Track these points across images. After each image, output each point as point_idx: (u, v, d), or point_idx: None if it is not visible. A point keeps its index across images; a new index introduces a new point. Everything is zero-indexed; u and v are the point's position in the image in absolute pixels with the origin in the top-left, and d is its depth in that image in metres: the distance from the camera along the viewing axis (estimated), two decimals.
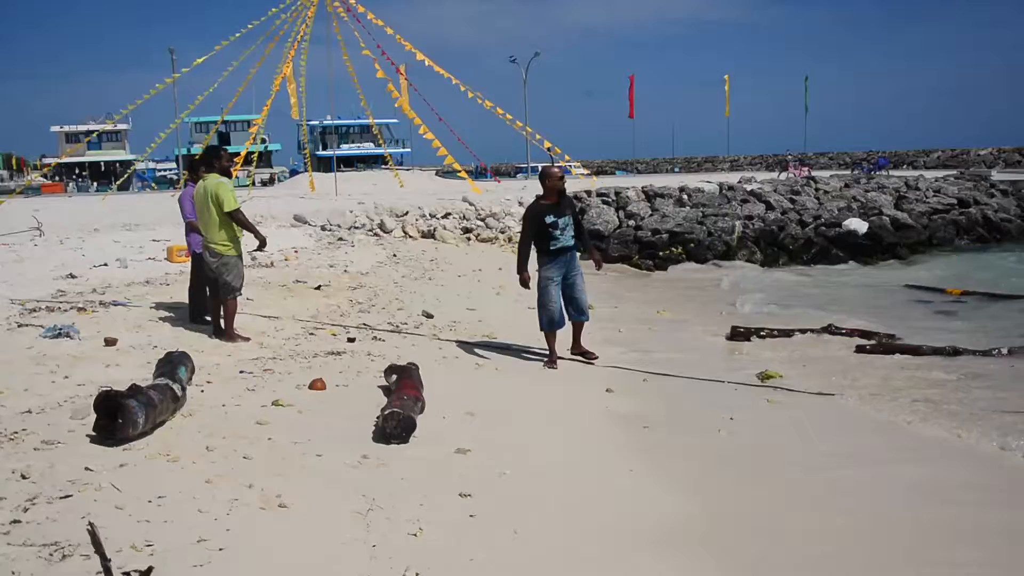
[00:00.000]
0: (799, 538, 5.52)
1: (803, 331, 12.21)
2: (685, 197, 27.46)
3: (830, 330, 12.10)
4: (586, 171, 47.46)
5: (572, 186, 30.80)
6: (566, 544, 5.21)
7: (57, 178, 71.62)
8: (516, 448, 6.91)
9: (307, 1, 38.18)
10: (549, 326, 9.69)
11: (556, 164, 9.99)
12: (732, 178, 34.52)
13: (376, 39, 38.36)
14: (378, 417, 6.65)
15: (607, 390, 8.89)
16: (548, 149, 39.21)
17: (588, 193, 27.40)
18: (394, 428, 6.45)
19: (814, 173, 38.32)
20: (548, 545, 5.17)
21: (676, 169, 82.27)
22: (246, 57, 39.96)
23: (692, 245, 23.93)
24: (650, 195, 27.36)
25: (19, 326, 10.01)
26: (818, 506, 6.09)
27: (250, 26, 38.28)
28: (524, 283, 9.69)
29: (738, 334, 12.00)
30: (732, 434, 7.63)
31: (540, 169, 10.28)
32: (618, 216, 25.54)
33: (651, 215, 25.69)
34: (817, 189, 29.80)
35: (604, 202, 26.33)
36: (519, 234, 9.93)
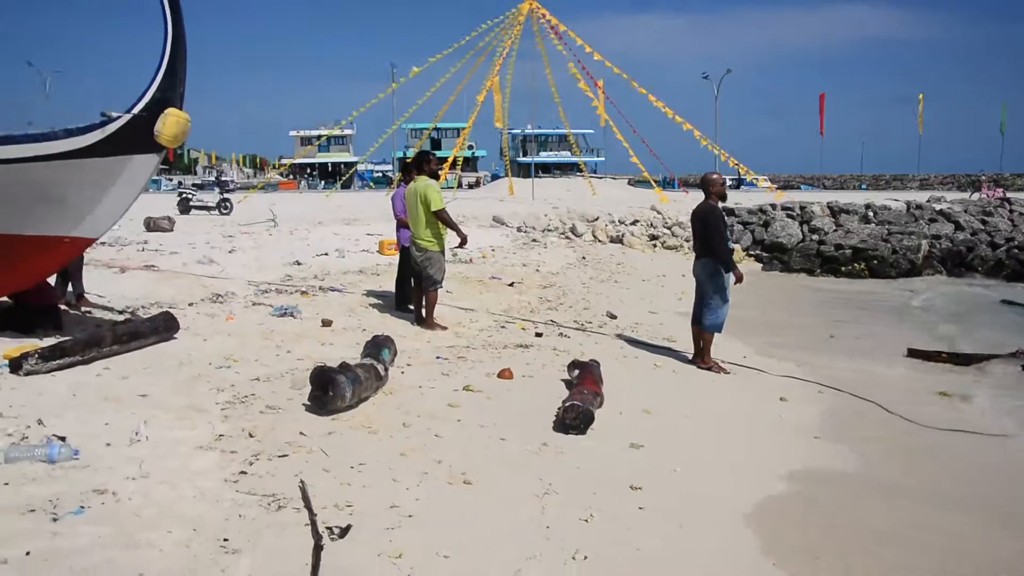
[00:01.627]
0: None
1: (990, 357, 10.88)
2: (871, 214, 26.25)
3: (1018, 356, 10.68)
4: (772, 185, 46.21)
5: (757, 199, 30.20)
6: (729, 544, 5.14)
7: (291, 176, 75.83)
8: (688, 447, 6.85)
9: (514, 19, 38.93)
10: (720, 328, 9.49)
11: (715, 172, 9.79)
12: (921, 197, 32.67)
13: (576, 54, 38.70)
14: (559, 408, 6.72)
15: (781, 399, 8.64)
16: (735, 165, 38.48)
17: (773, 206, 26.65)
18: (573, 420, 6.52)
19: (1009, 195, 35.62)
20: (713, 542, 5.12)
21: (863, 186, 78.51)
22: (457, 70, 41.03)
23: (875, 262, 22.77)
24: (835, 210, 26.31)
25: (254, 304, 10.71)
26: None
27: (462, 41, 39.39)
28: (741, 278, 9.36)
29: (918, 355, 11.25)
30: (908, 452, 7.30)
31: (703, 176, 9.99)
32: (802, 230, 24.67)
33: (835, 230, 24.69)
34: (1012, 211, 27.80)
35: (788, 215, 25.50)
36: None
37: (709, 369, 9.40)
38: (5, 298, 8.71)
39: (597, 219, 24.72)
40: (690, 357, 9.69)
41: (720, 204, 9.54)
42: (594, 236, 23.57)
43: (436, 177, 10.15)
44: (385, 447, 5.70)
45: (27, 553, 3.87)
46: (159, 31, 7.21)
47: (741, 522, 5.47)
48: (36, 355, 6.90)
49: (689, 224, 10.94)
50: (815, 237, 24.32)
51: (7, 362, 6.96)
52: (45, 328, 8.50)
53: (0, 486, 4.58)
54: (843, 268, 22.80)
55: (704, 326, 9.45)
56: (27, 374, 6.75)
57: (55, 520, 4.22)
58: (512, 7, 38.96)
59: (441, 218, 9.73)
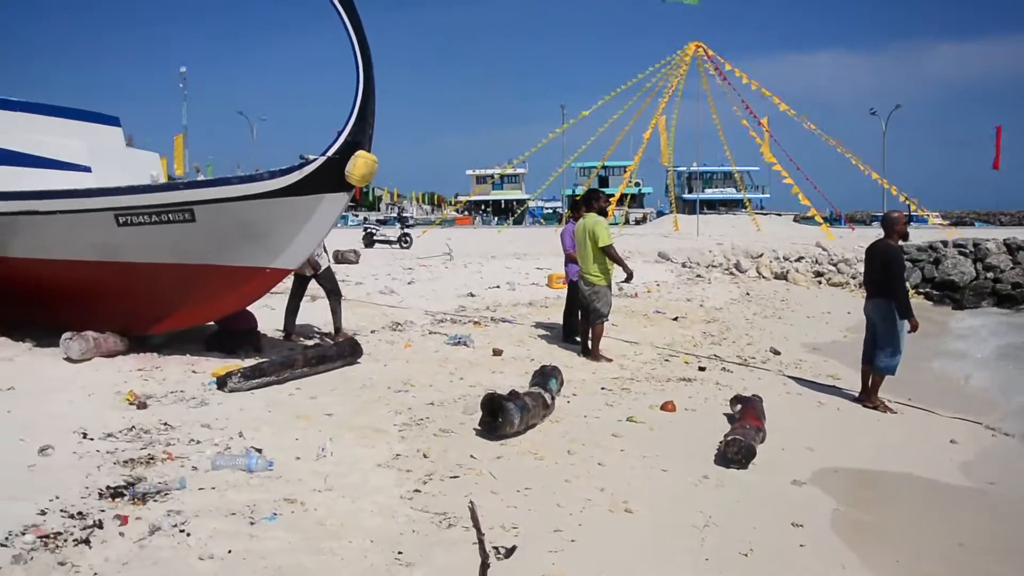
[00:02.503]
0: None
1: None
2: None
3: None
4: (944, 221, 43.82)
5: (926, 235, 28.66)
6: None
7: (467, 212, 77.65)
8: (852, 485, 6.60)
9: (680, 60, 38.81)
10: (894, 371, 9.03)
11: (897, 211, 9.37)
12: None
13: (740, 92, 38.17)
14: (721, 442, 6.62)
15: (951, 441, 8.18)
16: (906, 200, 36.76)
17: (944, 243, 25.24)
18: (735, 454, 6.40)
19: None
20: None
21: None
22: (625, 110, 41.18)
23: None
24: (1012, 247, 24.63)
25: (430, 333, 11.07)
26: None
27: (630, 83, 39.58)
28: (916, 327, 8.88)
29: None
30: None
31: (885, 214, 9.54)
32: (975, 268, 23.30)
33: (1012, 268, 23.19)
34: None
35: (960, 253, 24.11)
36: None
37: (875, 408, 9.00)
38: (212, 323, 9.40)
39: (761, 255, 24.13)
40: (855, 396, 9.31)
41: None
42: (758, 272, 23.02)
43: (604, 214, 10.23)
44: (550, 473, 5.77)
45: (228, 551, 4.18)
46: (352, 83, 7.68)
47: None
48: (239, 374, 7.42)
49: (856, 261, 10.51)
50: (990, 275, 22.93)
51: (215, 379, 7.52)
52: (246, 350, 9.11)
53: (208, 490, 4.96)
54: (1021, 307, 21.45)
55: (876, 367, 9.03)
56: (231, 391, 7.28)
57: (252, 524, 4.53)
58: (678, 48, 38.92)
59: (608, 254, 9.79)
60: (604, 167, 59.15)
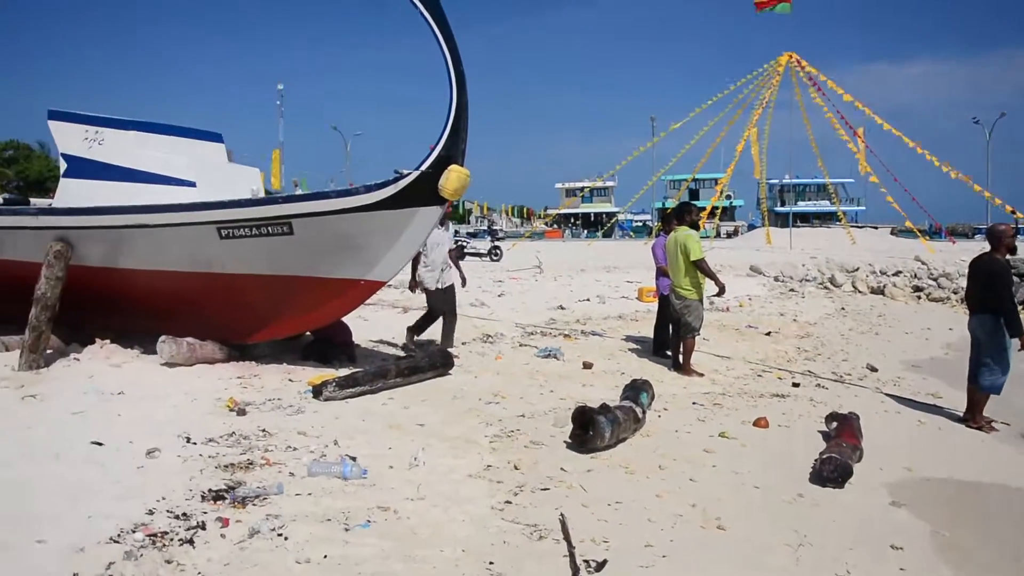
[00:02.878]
0: None
1: None
2: None
3: None
4: None
5: None
6: None
7: (556, 225, 77.72)
8: (954, 508, 6.32)
9: (773, 71, 38.18)
10: (999, 390, 8.62)
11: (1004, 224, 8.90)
12: None
13: (835, 103, 37.31)
14: (816, 460, 6.43)
15: None
16: (1012, 212, 35.26)
17: None
18: (831, 472, 6.21)
19: None
20: None
21: None
22: (716, 122, 40.70)
23: None
24: None
25: (520, 345, 11.11)
26: None
27: (721, 94, 39.12)
28: None
29: None
30: None
31: (991, 226, 9.09)
32: None
33: None
34: None
35: None
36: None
37: (979, 428, 8.61)
38: (307, 333, 9.62)
39: (857, 269, 23.48)
40: (959, 415, 8.93)
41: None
42: (854, 287, 22.40)
43: (696, 227, 10.10)
44: (641, 487, 5.70)
45: (324, 556, 4.25)
46: (445, 98, 7.78)
47: None
48: (334, 383, 7.57)
49: (958, 276, 10.09)
50: None
51: (311, 388, 7.68)
52: (341, 360, 9.29)
53: (304, 496, 5.06)
54: None
55: (980, 386, 8.62)
56: (326, 400, 7.43)
57: (347, 530, 4.60)
58: (770, 59, 38.32)
59: (700, 267, 9.66)
60: (695, 180, 58.59)
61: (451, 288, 10.65)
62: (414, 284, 10.59)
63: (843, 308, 18.73)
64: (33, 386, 7.96)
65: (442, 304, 10.55)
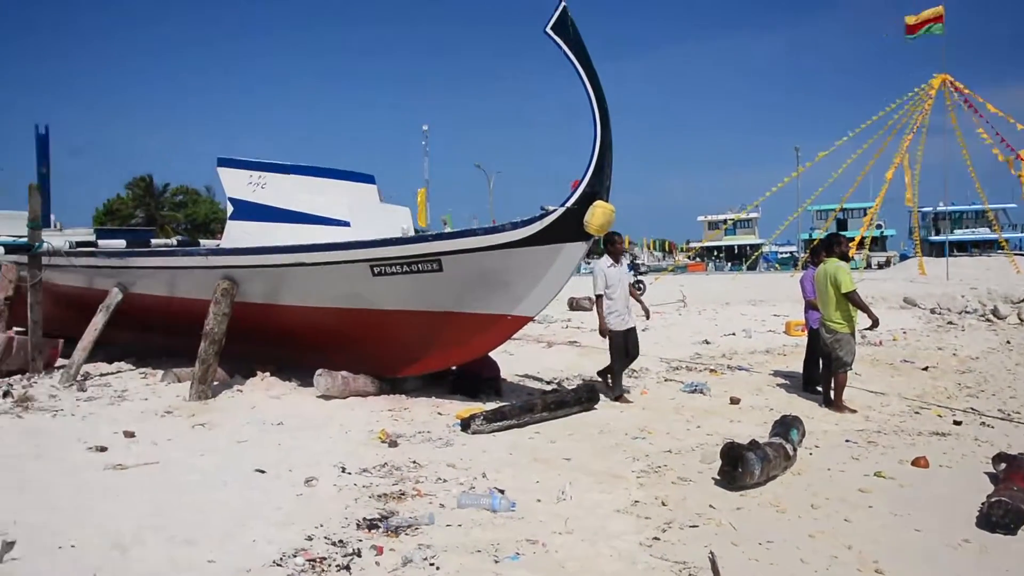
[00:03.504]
0: None
1: None
2: None
3: None
4: None
5: None
6: None
7: (699, 259, 76.56)
8: None
9: (925, 95, 36.56)
10: None
11: None
12: None
13: (994, 125, 35.32)
14: (983, 503, 6.02)
15: None
16: None
17: None
18: (1001, 517, 5.80)
19: None
20: None
21: None
22: (864, 150, 39.22)
23: None
24: None
25: (665, 380, 10.97)
26: None
27: (869, 121, 37.71)
28: None
29: None
30: None
31: None
32: None
33: None
34: None
35: None
36: None
37: None
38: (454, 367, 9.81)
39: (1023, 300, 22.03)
40: None
41: None
42: (1020, 318, 20.97)
43: (846, 258, 9.73)
44: (793, 527, 5.50)
45: None
46: (588, 135, 7.86)
47: None
48: (481, 417, 7.69)
49: None
50: None
51: (459, 421, 7.83)
52: (488, 394, 9.42)
53: (454, 526, 5.15)
54: None
55: None
56: (474, 433, 7.55)
57: (496, 562, 4.65)
58: (921, 83, 36.73)
59: (851, 300, 9.30)
60: (843, 209, 56.53)
61: (634, 330, 10.00)
62: (604, 327, 9.71)
63: (1008, 341, 17.55)
64: (202, 415, 8.45)
65: (623, 346, 9.85)
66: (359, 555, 4.68)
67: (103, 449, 7.00)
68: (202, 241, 15.53)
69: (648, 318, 10.65)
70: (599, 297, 9.60)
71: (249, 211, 10.17)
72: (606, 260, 9.67)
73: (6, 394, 9.41)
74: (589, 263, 13.87)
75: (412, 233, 10.13)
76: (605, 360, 12.80)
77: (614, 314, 9.67)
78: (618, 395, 9.53)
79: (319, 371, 9.12)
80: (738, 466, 6.12)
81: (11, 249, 11.57)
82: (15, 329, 12.39)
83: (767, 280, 40.99)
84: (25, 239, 11.28)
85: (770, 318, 19.79)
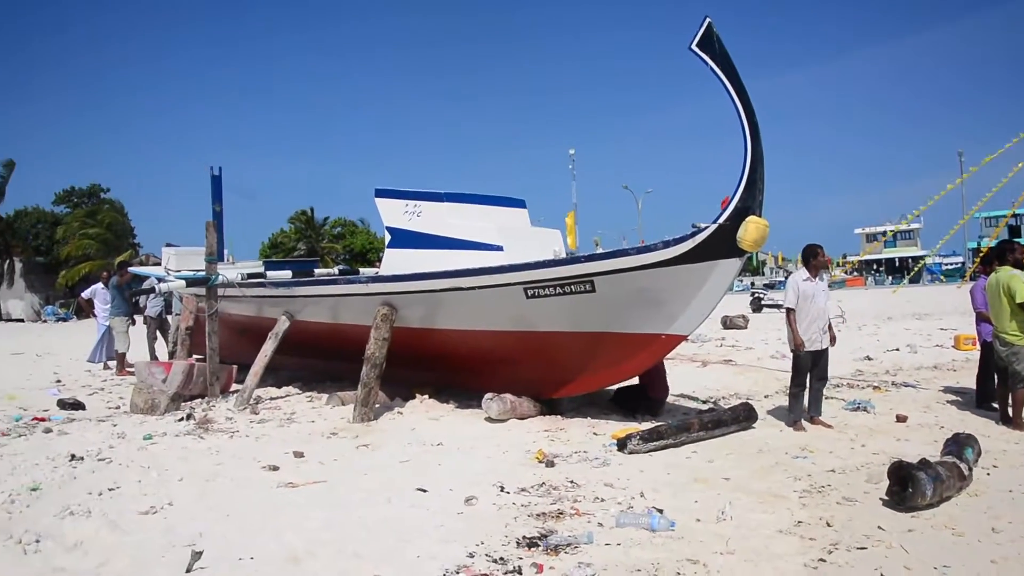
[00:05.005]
0: None
1: None
2: None
3: None
4: None
5: None
6: None
7: (857, 273, 73.54)
8: None
9: None
10: None
11: None
12: None
13: None
14: None
15: None
16: None
17: None
18: None
19: None
20: None
21: None
22: None
23: None
24: None
25: (826, 398, 10.48)
26: None
27: None
28: None
29: None
30: None
31: None
32: None
33: None
34: None
35: None
36: None
37: None
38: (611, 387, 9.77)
39: None
40: None
41: None
42: None
43: (1020, 266, 9.10)
44: (973, 551, 5.16)
45: None
46: (737, 151, 7.72)
47: None
48: (638, 437, 7.63)
49: None
50: None
51: (615, 441, 7.80)
52: (643, 414, 9.34)
53: (613, 546, 5.12)
54: None
55: None
56: (630, 452, 7.51)
57: None
58: None
59: None
60: (1015, 215, 52.99)
61: (824, 352, 9.09)
62: (799, 340, 8.82)
63: None
64: (365, 436, 8.76)
65: (807, 368, 8.98)
66: (520, 572, 4.72)
67: (275, 468, 7.37)
68: (361, 270, 16.13)
69: (833, 344, 9.31)
70: (789, 311, 8.94)
71: (406, 239, 10.50)
72: (801, 273, 9.02)
73: (189, 416, 10.05)
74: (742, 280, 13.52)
75: (564, 255, 10.18)
76: (761, 379, 12.51)
77: (801, 331, 8.87)
78: (793, 420, 8.90)
79: (489, 395, 9.29)
80: (908, 486, 5.81)
81: (191, 283, 12.35)
82: (195, 357, 13.23)
83: (931, 293, 38.93)
84: (203, 273, 12.03)
85: (936, 332, 18.78)
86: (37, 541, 5.39)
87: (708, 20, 7.62)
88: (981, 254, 11.87)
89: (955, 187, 44.72)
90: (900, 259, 78.81)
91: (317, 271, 15.07)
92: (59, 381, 15.09)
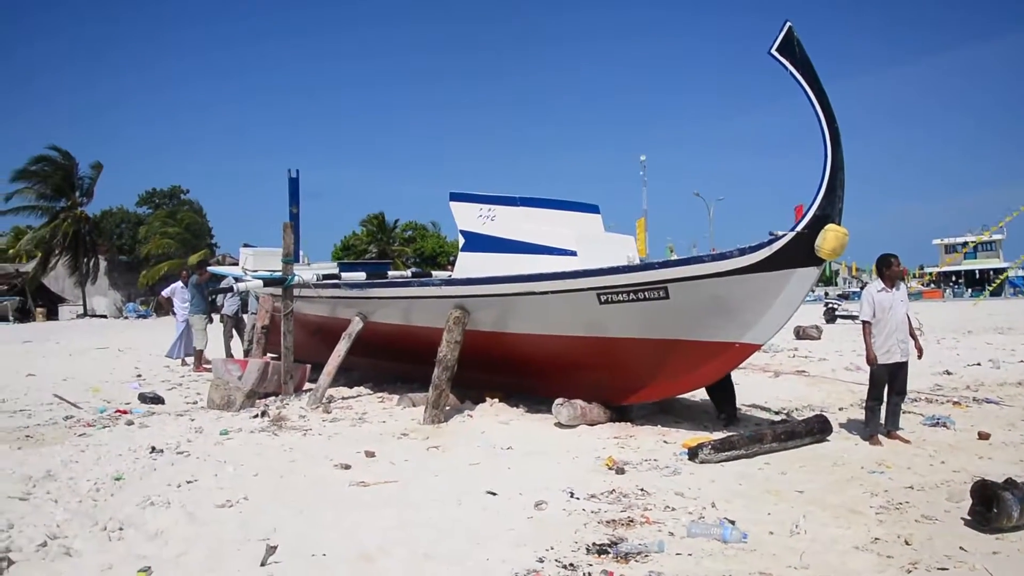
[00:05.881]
0: None
1: None
2: None
3: None
4: None
5: None
6: None
7: (934, 285, 71.56)
8: None
9: None
10: None
11: None
12: None
13: None
14: None
15: None
16: None
17: None
18: None
19: None
20: None
21: None
22: None
23: None
24: None
25: (904, 412, 10.24)
26: None
27: None
28: None
29: None
30: None
31: None
32: None
33: None
34: None
35: None
36: None
37: None
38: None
39: None
40: None
41: None
42: None
43: None
44: None
45: None
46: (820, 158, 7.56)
47: None
48: (709, 446, 7.53)
49: None
50: None
51: (686, 450, 7.70)
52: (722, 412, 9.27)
53: (684, 555, 5.05)
54: None
55: None
56: (701, 462, 7.41)
57: None
58: None
59: None
60: None
61: (903, 366, 8.78)
62: (872, 356, 8.61)
63: None
64: (436, 438, 8.81)
65: (884, 381, 8.73)
66: None
67: (347, 467, 7.46)
68: (433, 273, 16.26)
69: (920, 357, 9.21)
70: (865, 323, 8.70)
71: (480, 243, 10.53)
72: (876, 284, 8.75)
73: (263, 413, 10.25)
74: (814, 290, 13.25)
75: (636, 262, 10.10)
76: (835, 391, 12.24)
77: (878, 344, 8.65)
78: (869, 435, 8.65)
79: (559, 400, 9.28)
80: (993, 506, 5.61)
81: (268, 283, 12.60)
82: (269, 355, 13.50)
83: (1015, 306, 37.60)
84: (279, 273, 12.26)
85: (1021, 347, 18.14)
86: (121, 529, 5.56)
87: (789, 24, 7.49)
88: None
89: None
90: (980, 271, 76.42)
91: (390, 273, 15.24)
92: (140, 376, 15.54)
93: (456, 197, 10.84)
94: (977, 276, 75.97)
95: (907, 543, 5.38)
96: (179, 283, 17.77)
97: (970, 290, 69.18)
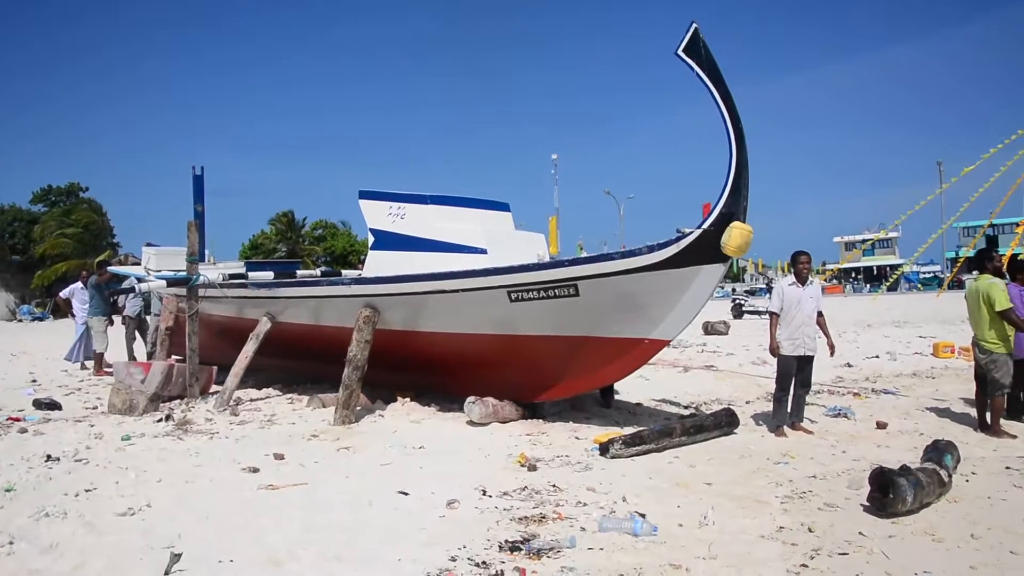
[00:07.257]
0: None
1: None
2: None
3: None
4: None
5: None
6: None
7: (836, 281, 74.03)
8: None
9: None
10: None
11: None
12: None
13: None
14: None
15: None
16: None
17: None
18: None
19: None
20: None
21: None
22: (1014, 162, 36.95)
23: None
24: None
25: (807, 404, 10.56)
26: None
27: (1021, 131, 35.56)
28: None
29: None
30: None
31: None
32: None
33: None
34: None
35: None
36: None
37: None
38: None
39: None
40: None
41: None
42: None
43: (1000, 275, 9.20)
44: (951, 557, 5.20)
45: None
46: (725, 157, 7.74)
47: None
48: (620, 441, 7.63)
49: None
50: None
51: (598, 446, 7.79)
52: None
53: (596, 550, 5.11)
54: None
55: None
56: (612, 457, 7.50)
57: None
58: None
59: (1007, 318, 8.78)
60: (992, 225, 53.58)
61: (809, 360, 9.07)
62: (774, 346, 8.96)
63: None
64: (347, 439, 8.71)
65: (789, 373, 8.98)
66: None
67: (255, 470, 7.31)
68: (343, 272, 16.05)
69: (832, 354, 9.62)
70: (772, 314, 9.02)
71: (389, 241, 10.45)
72: (788, 279, 9.09)
73: (168, 417, 9.97)
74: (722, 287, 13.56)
75: (547, 259, 10.17)
76: (742, 385, 12.56)
77: (785, 336, 8.96)
78: (776, 426, 8.92)
79: (471, 398, 9.27)
80: (889, 492, 5.85)
81: (171, 282, 12.24)
82: (174, 357, 13.12)
83: (910, 301, 39.21)
84: (184, 273, 11.94)
85: (915, 340, 18.93)
86: (11, 543, 5.32)
87: (695, 26, 7.65)
88: (958, 264, 11.97)
89: (935, 197, 45.10)
90: (878, 267, 79.45)
91: (299, 272, 15.00)
92: (35, 381, 14.92)
93: (366, 195, 10.72)
94: (875, 272, 79.06)
95: (810, 530, 5.56)
96: (78, 284, 17.15)
97: (869, 286, 71.90)
